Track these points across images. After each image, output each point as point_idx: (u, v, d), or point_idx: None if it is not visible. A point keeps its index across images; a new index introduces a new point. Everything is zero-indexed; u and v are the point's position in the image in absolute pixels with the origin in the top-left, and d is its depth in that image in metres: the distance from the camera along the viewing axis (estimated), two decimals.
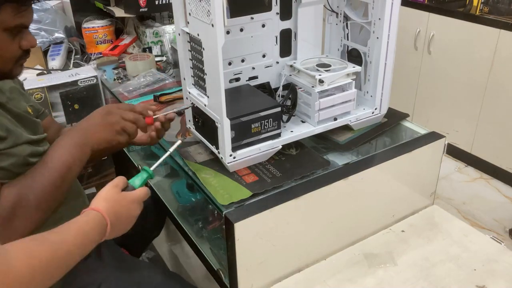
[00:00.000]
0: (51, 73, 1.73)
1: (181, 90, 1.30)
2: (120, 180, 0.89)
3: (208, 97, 1.01)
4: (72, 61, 1.94)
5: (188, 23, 0.99)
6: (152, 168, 0.94)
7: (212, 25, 0.86)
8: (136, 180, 0.92)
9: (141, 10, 1.79)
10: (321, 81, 1.09)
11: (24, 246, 0.68)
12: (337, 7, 1.23)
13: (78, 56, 2.01)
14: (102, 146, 0.95)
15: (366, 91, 1.22)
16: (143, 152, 1.54)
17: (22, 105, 1.01)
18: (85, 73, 1.61)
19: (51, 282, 0.72)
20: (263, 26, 1.14)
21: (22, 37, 0.91)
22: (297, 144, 1.14)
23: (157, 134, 1.09)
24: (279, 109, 1.04)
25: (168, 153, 0.99)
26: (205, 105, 1.02)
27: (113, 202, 0.84)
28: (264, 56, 1.18)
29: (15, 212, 0.83)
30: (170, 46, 1.80)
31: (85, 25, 1.97)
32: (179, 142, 1.00)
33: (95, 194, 1.11)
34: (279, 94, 1.19)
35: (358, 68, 1.15)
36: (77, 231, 0.77)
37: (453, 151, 2.70)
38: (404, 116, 1.30)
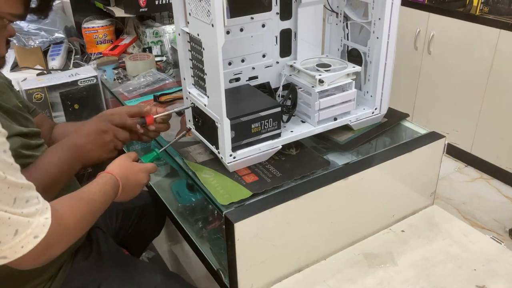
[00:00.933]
0: (51, 73, 1.73)
1: (181, 90, 1.30)
2: (132, 153, 1.03)
3: (208, 97, 1.01)
4: (72, 61, 1.94)
5: (188, 23, 0.99)
6: (160, 151, 1.08)
7: (212, 25, 0.86)
8: (146, 157, 1.07)
9: (141, 10, 1.79)
10: (321, 81, 1.09)
11: (68, 203, 0.82)
12: (337, 7, 1.23)
13: (78, 56, 2.01)
14: (93, 162, 1.02)
15: (366, 91, 1.22)
16: (143, 152, 1.54)
17: (12, 100, 1.01)
18: (85, 73, 1.61)
19: (87, 230, 0.88)
20: (263, 26, 1.14)
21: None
22: (297, 144, 1.14)
23: (151, 134, 1.13)
24: (279, 109, 1.04)
25: (174, 140, 1.11)
26: (205, 105, 1.02)
27: (124, 168, 0.97)
28: (264, 56, 1.18)
29: None
30: (170, 46, 1.80)
31: (85, 25, 1.97)
32: (184, 132, 1.14)
33: None
34: (279, 94, 1.19)
35: (358, 68, 1.15)
36: (100, 190, 0.90)
37: (453, 151, 2.70)
38: (404, 116, 1.30)
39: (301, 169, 1.06)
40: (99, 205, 0.89)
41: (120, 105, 1.54)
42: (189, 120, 1.15)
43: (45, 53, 1.91)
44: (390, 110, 1.25)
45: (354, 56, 1.24)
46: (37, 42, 1.92)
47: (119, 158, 0.99)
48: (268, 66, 1.20)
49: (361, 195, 1.09)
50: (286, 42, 1.20)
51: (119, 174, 0.95)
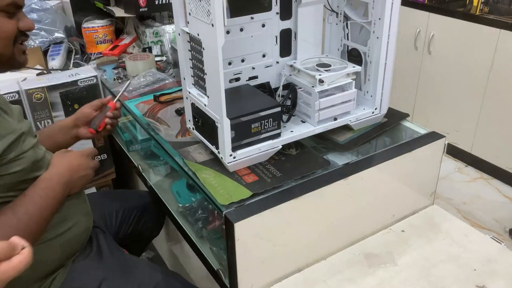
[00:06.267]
0: (51, 73, 1.73)
1: (181, 90, 1.30)
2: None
3: (208, 97, 1.01)
4: (72, 61, 1.94)
5: (188, 23, 0.99)
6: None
7: (212, 25, 0.86)
8: None
9: (141, 10, 1.79)
10: (321, 81, 1.09)
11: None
12: (337, 7, 1.23)
13: (78, 56, 2.00)
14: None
15: (366, 91, 1.22)
16: (143, 152, 1.55)
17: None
18: (85, 73, 1.61)
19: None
20: (263, 26, 1.14)
21: (19, 18, 0.94)
22: (297, 144, 1.14)
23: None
24: (279, 109, 1.04)
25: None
26: (205, 105, 1.02)
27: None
28: (264, 56, 1.18)
29: None
30: (170, 46, 1.80)
31: (85, 25, 1.97)
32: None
33: (95, 193, 1.12)
34: (279, 94, 1.19)
35: (358, 68, 1.15)
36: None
37: (453, 151, 2.70)
38: (404, 116, 1.30)
39: (301, 169, 1.06)
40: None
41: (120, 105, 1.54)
42: (189, 120, 1.15)
43: (45, 53, 1.91)
44: (390, 110, 1.25)
45: (354, 56, 1.24)
46: (37, 42, 1.92)
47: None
48: (268, 66, 1.20)
49: (361, 195, 1.09)
50: (286, 42, 1.20)
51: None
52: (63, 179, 0.97)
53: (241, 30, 1.12)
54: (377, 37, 1.13)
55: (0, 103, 0.93)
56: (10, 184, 0.89)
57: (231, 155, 1.01)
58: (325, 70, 1.13)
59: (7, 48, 0.92)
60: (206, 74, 0.98)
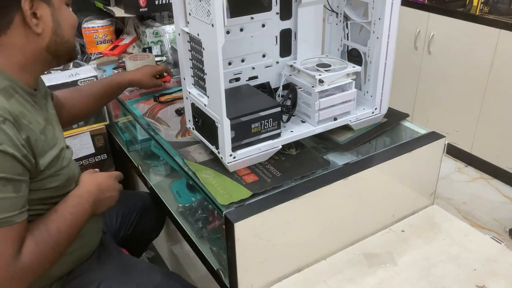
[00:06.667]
0: (51, 73, 1.72)
1: (181, 90, 1.30)
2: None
3: (208, 97, 1.01)
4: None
5: (188, 23, 0.99)
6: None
7: (212, 25, 0.86)
8: None
9: (141, 10, 1.79)
10: (321, 81, 1.09)
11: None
12: (337, 7, 1.23)
13: (78, 56, 2.00)
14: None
15: (366, 91, 1.22)
16: (143, 152, 1.55)
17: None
18: (85, 73, 1.61)
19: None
20: (263, 26, 1.14)
21: None
22: (297, 144, 1.14)
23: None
24: (279, 109, 1.04)
25: None
26: (205, 105, 1.02)
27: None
28: (264, 56, 1.18)
29: (33, 268, 0.85)
30: (170, 46, 1.80)
31: (85, 25, 1.97)
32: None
33: None
34: (279, 94, 1.19)
35: (358, 68, 1.15)
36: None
37: (453, 151, 2.70)
38: (404, 116, 1.30)
39: (301, 169, 1.06)
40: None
41: (120, 105, 1.55)
42: (189, 120, 1.15)
43: None
44: (390, 110, 1.25)
45: (354, 56, 1.24)
46: None
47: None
48: (268, 66, 1.20)
49: (361, 195, 1.09)
50: (286, 42, 1.20)
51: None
52: (92, 197, 0.98)
53: (241, 30, 1.12)
54: (377, 37, 1.13)
55: (40, 107, 0.94)
56: (43, 198, 0.91)
57: (231, 155, 1.01)
58: (325, 70, 1.13)
59: (74, 37, 0.96)
60: (206, 74, 0.98)
